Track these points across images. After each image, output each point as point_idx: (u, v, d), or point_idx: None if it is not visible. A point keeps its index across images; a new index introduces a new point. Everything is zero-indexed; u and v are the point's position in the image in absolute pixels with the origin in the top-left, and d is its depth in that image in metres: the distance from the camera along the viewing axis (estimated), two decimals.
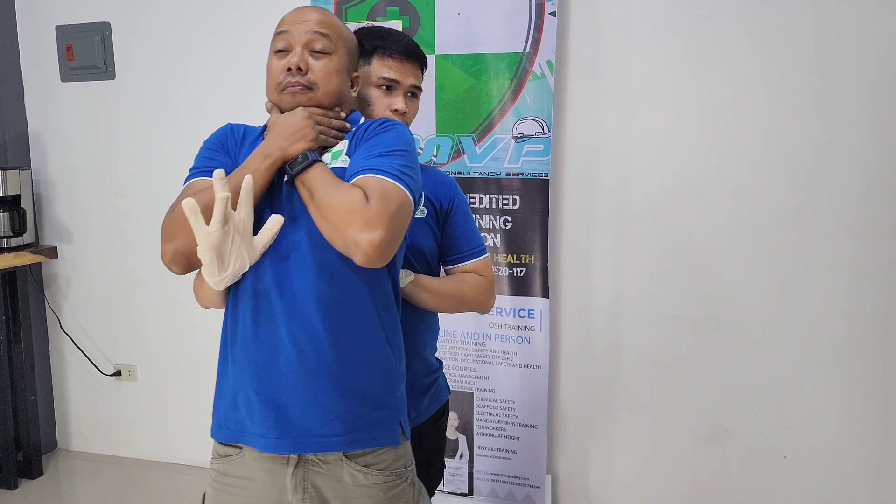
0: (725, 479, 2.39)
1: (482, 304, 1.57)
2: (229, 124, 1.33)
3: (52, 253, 2.94)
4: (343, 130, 1.27)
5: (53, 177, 3.00)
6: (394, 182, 1.13)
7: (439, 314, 1.57)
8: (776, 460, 2.35)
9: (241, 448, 1.22)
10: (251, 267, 1.18)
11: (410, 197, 1.15)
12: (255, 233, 1.13)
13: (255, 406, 1.18)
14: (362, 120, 1.31)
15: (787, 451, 2.34)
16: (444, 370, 1.64)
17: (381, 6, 2.31)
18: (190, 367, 2.94)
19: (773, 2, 2.17)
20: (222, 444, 1.25)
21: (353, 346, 1.19)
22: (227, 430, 1.23)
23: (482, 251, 1.55)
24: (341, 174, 1.18)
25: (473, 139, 2.31)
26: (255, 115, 1.51)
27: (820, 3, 2.13)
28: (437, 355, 1.61)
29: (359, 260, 1.08)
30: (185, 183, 1.25)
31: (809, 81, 2.17)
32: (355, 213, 1.07)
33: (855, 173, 2.18)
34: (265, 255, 1.18)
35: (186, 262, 1.16)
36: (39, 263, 3.00)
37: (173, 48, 2.77)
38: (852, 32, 2.13)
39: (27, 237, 2.82)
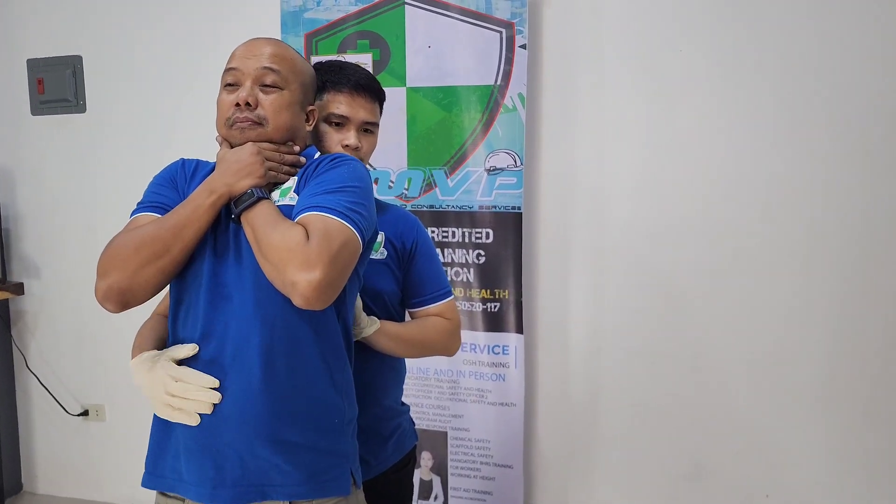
0: None
1: (447, 349, 1.52)
2: (181, 159, 1.29)
3: (19, 289, 2.87)
4: (296, 165, 1.23)
5: (22, 212, 2.94)
6: (338, 220, 1.08)
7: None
8: (758, 499, 2.29)
9: (182, 500, 1.16)
10: (200, 305, 1.13)
11: (357, 235, 1.10)
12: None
13: (191, 454, 1.13)
14: (317, 155, 1.27)
15: (769, 490, 2.29)
16: (417, 409, 1.59)
17: (352, 39, 2.29)
18: None
19: (745, 35, 2.16)
20: (162, 494, 1.19)
21: (294, 392, 1.13)
22: (160, 479, 1.18)
23: (447, 293, 1.50)
24: (288, 212, 1.14)
25: (445, 172, 2.28)
26: None
27: (791, 35, 2.13)
28: (405, 394, 1.55)
29: (297, 301, 1.04)
30: (131, 216, 1.21)
31: (783, 115, 2.16)
32: (293, 252, 1.03)
33: (834, 209, 2.15)
34: (212, 295, 1.14)
35: (120, 299, 1.11)
36: (6, 300, 2.93)
37: (145, 82, 2.74)
38: (825, 65, 2.12)
39: None
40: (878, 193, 2.12)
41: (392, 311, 1.45)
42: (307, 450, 1.14)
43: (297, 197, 1.18)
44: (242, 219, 1.12)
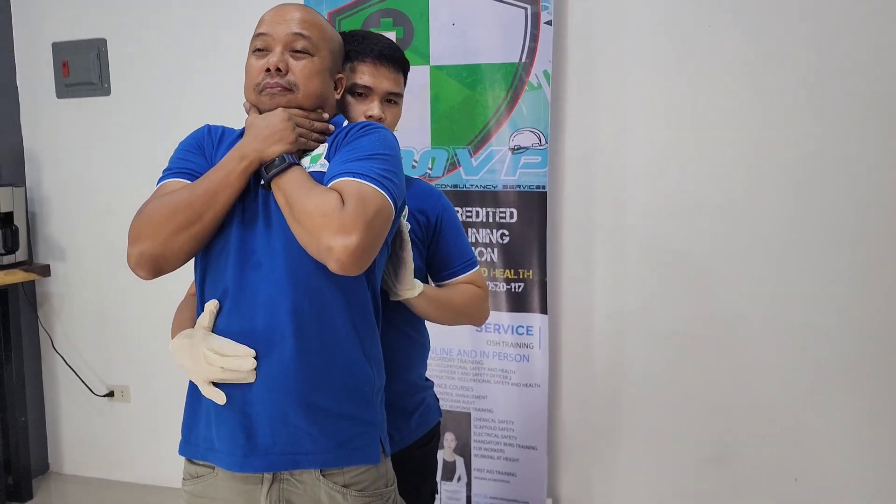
0: None
1: (480, 316, 1.53)
2: (207, 125, 1.29)
3: (45, 271, 2.90)
4: (325, 133, 1.22)
5: (48, 194, 2.97)
6: (372, 186, 1.07)
7: (429, 332, 1.51)
8: (786, 483, 2.26)
9: (213, 468, 1.16)
10: (228, 274, 1.13)
11: (390, 202, 1.09)
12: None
13: (222, 422, 1.12)
14: (345, 123, 1.26)
15: (798, 474, 2.25)
16: (441, 389, 1.58)
17: (375, 17, 2.28)
18: (184, 388, 2.82)
19: (773, 12, 2.12)
20: (192, 462, 1.19)
21: (327, 360, 1.13)
22: (194, 447, 1.18)
23: (475, 262, 1.50)
24: (319, 178, 1.13)
25: (469, 151, 2.26)
26: None
27: (820, 13, 2.09)
28: (428, 375, 1.54)
29: (333, 266, 1.03)
30: (157, 184, 1.20)
31: (809, 92, 2.12)
32: (329, 217, 1.02)
33: (856, 185, 2.12)
34: (241, 263, 1.13)
35: (153, 265, 1.10)
36: (32, 281, 2.96)
37: (169, 64, 2.75)
38: (853, 42, 2.08)
39: (20, 255, 2.78)
40: None
41: None
42: (338, 417, 1.13)
43: (327, 164, 1.17)
44: (273, 185, 1.11)
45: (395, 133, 1.43)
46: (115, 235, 2.87)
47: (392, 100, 1.41)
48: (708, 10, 2.16)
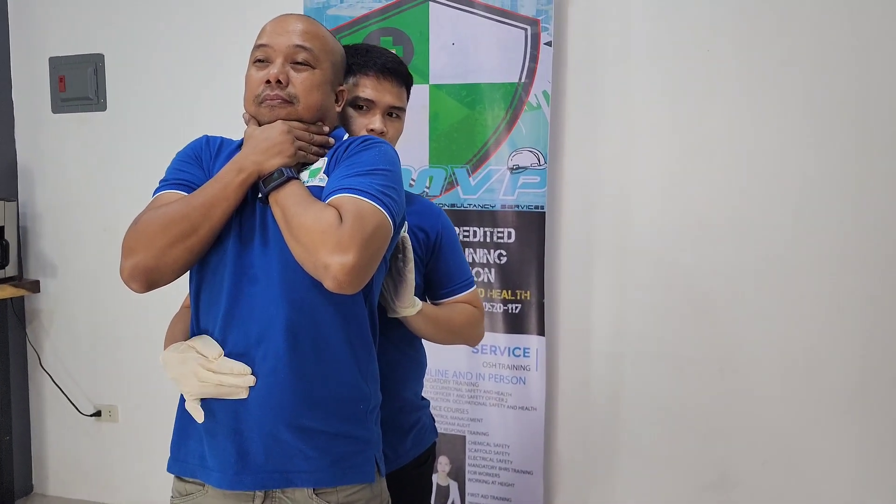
0: None
1: (477, 338, 1.52)
2: (205, 136, 1.27)
3: (35, 287, 2.86)
4: (325, 146, 1.21)
5: (41, 210, 2.94)
6: (371, 202, 1.05)
7: (425, 350, 1.49)
8: None
9: (203, 485, 1.13)
10: (224, 289, 1.11)
11: (389, 219, 1.07)
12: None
13: (214, 439, 1.10)
14: (346, 137, 1.24)
15: (799, 501, 2.21)
16: (436, 412, 1.55)
17: (375, 35, 2.28)
18: (173, 408, 2.79)
19: (773, 35, 2.13)
20: (181, 479, 1.16)
21: (321, 377, 1.10)
22: (182, 463, 1.15)
23: (472, 282, 1.49)
24: (318, 193, 1.11)
25: (468, 170, 2.25)
26: None
27: (820, 35, 2.09)
28: (424, 394, 1.51)
29: (329, 284, 1.01)
30: (154, 195, 1.18)
31: (816, 114, 2.12)
32: (326, 234, 1.00)
33: (865, 211, 2.10)
34: (237, 277, 1.11)
35: (146, 278, 1.08)
36: (21, 297, 2.91)
37: (166, 80, 2.73)
38: (854, 65, 2.08)
39: (10, 270, 2.74)
40: None
41: None
42: (332, 435, 1.11)
43: (326, 178, 1.15)
44: (271, 198, 1.09)
45: (398, 139, 1.42)
46: (111, 254, 2.84)
47: (394, 114, 1.40)
48: (710, 30, 2.17)
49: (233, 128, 2.69)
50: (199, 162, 1.21)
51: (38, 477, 3.04)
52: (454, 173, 2.26)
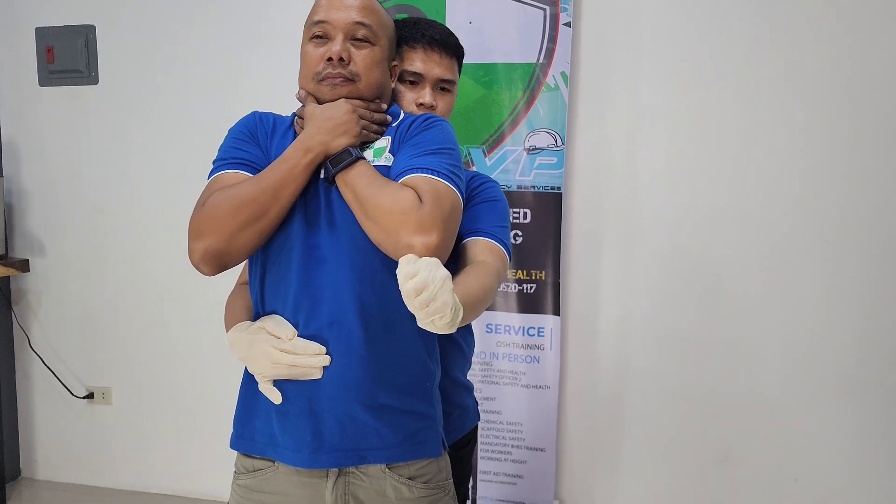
0: None
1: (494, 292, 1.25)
2: (256, 112, 1.23)
3: (24, 266, 2.75)
4: (384, 124, 1.19)
5: (28, 186, 2.83)
6: (445, 182, 1.06)
7: (474, 335, 1.49)
8: (787, 484, 2.30)
9: (272, 462, 1.12)
10: (292, 270, 1.09)
11: (461, 198, 1.08)
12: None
13: (286, 419, 1.10)
14: (402, 114, 1.23)
15: (798, 475, 2.30)
16: None
17: (391, 12, 2.21)
18: (169, 390, 2.78)
19: (786, 20, 2.16)
20: (248, 456, 1.15)
21: (393, 356, 1.11)
22: (249, 441, 1.15)
23: (493, 235, 1.23)
24: (385, 173, 1.10)
25: (484, 150, 2.24)
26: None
27: (832, 21, 2.14)
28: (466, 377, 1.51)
29: None
30: (209, 176, 1.14)
31: (822, 99, 2.17)
32: (408, 215, 1.00)
33: (866, 198, 2.17)
34: (305, 258, 1.09)
35: (217, 261, 1.06)
36: (8, 277, 2.81)
37: (160, 53, 2.64)
38: (864, 54, 2.13)
39: None
40: None
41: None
42: (403, 412, 1.12)
43: (391, 157, 1.13)
44: (339, 179, 1.08)
45: (449, 114, 1.39)
46: (102, 233, 2.78)
47: (444, 87, 1.36)
48: (723, 15, 2.19)
49: (228, 101, 2.63)
50: (255, 139, 1.18)
51: (27, 461, 2.96)
52: (470, 153, 2.25)
